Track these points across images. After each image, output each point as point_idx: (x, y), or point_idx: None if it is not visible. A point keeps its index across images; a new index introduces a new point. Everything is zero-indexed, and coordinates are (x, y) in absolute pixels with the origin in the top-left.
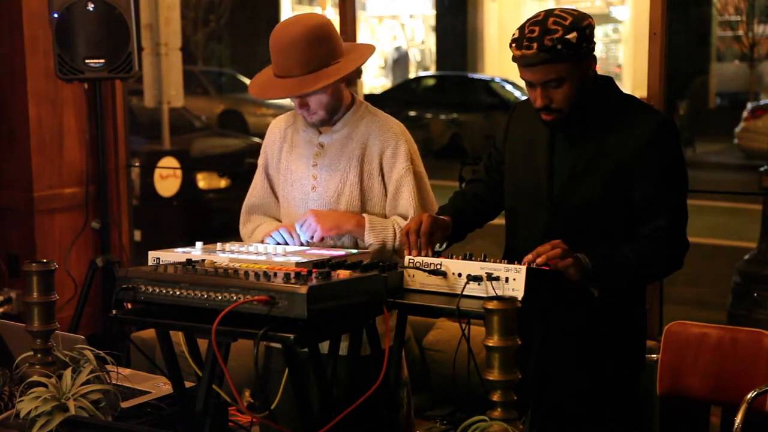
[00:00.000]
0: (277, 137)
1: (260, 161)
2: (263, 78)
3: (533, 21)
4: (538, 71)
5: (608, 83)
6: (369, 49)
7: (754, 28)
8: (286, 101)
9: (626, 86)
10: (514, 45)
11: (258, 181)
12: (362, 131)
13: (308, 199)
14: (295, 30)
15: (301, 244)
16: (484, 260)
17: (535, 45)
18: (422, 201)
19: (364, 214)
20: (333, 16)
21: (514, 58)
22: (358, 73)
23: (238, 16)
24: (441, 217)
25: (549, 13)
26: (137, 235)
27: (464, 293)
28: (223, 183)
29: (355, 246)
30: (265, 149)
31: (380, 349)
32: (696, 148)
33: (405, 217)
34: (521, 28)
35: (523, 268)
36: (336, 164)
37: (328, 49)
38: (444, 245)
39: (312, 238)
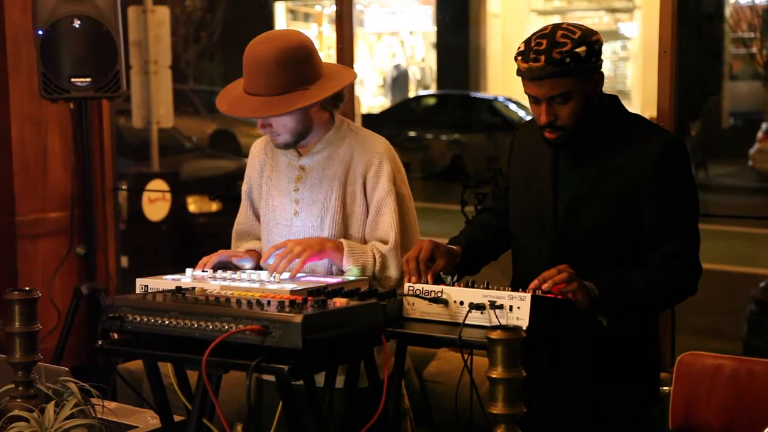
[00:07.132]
0: (256, 162)
1: (244, 187)
2: (234, 93)
3: (540, 34)
4: (544, 85)
5: (614, 102)
6: (349, 76)
7: None
8: None
9: (635, 106)
10: (520, 58)
11: (242, 207)
12: (344, 152)
13: (292, 225)
14: (267, 48)
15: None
16: (487, 288)
17: (542, 58)
18: (404, 225)
19: (342, 239)
20: (329, 32)
21: (520, 72)
22: (339, 97)
23: (231, 33)
24: (449, 246)
25: (557, 26)
26: (124, 262)
27: (466, 322)
28: (214, 206)
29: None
30: (249, 174)
31: (378, 381)
32: (709, 171)
33: (384, 242)
34: (527, 41)
35: (528, 296)
36: (318, 188)
37: (298, 73)
38: (455, 277)
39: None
